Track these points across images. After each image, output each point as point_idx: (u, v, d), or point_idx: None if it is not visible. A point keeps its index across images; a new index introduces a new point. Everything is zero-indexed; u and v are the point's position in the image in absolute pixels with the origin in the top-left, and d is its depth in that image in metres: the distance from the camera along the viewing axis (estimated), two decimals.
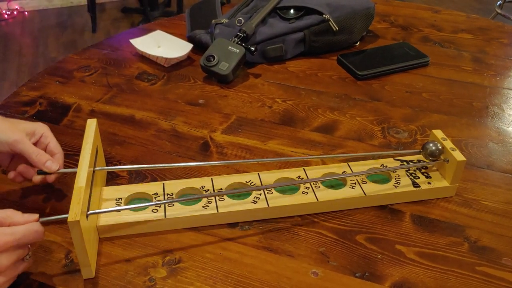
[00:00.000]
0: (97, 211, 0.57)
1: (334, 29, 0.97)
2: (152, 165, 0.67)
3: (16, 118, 0.80)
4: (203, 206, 0.61)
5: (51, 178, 0.61)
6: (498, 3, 2.52)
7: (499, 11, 2.48)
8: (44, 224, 0.51)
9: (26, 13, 3.22)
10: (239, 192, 0.63)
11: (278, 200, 0.62)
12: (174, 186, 0.64)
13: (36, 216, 0.51)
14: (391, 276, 0.55)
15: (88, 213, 0.54)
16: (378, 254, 0.58)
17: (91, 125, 0.63)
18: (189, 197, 0.63)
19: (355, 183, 0.65)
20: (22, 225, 0.50)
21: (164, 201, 0.60)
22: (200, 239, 0.59)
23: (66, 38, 2.93)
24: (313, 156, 0.72)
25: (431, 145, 0.65)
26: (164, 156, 0.73)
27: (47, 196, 0.65)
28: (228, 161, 0.71)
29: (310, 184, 0.65)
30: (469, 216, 0.63)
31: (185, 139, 0.77)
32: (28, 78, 0.92)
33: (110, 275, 0.54)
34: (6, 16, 3.14)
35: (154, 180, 0.67)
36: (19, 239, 0.48)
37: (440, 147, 0.65)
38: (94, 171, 0.59)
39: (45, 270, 0.55)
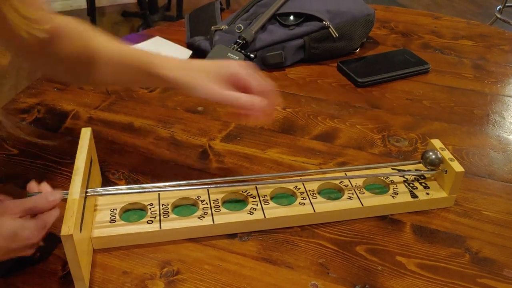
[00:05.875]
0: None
1: (334, 36, 0.96)
2: (147, 185, 0.65)
3: (15, 124, 0.80)
4: (198, 217, 0.60)
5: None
6: (498, 8, 2.52)
7: (498, 16, 2.48)
8: None
9: None
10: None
11: (275, 211, 0.61)
12: (170, 196, 0.63)
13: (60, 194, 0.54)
14: None
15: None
16: (379, 266, 0.57)
17: (86, 134, 0.62)
18: (184, 210, 0.62)
19: (352, 194, 0.64)
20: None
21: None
22: (198, 250, 0.59)
23: None
24: (311, 170, 0.71)
25: (430, 153, 0.65)
26: (163, 164, 0.72)
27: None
28: (223, 178, 0.70)
29: (307, 195, 0.64)
30: (470, 226, 0.63)
31: (184, 147, 0.76)
32: (27, 82, 0.92)
33: (107, 287, 0.54)
34: None
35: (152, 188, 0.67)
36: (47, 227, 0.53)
37: (439, 155, 0.64)
38: (88, 182, 0.58)
39: (41, 282, 0.54)
